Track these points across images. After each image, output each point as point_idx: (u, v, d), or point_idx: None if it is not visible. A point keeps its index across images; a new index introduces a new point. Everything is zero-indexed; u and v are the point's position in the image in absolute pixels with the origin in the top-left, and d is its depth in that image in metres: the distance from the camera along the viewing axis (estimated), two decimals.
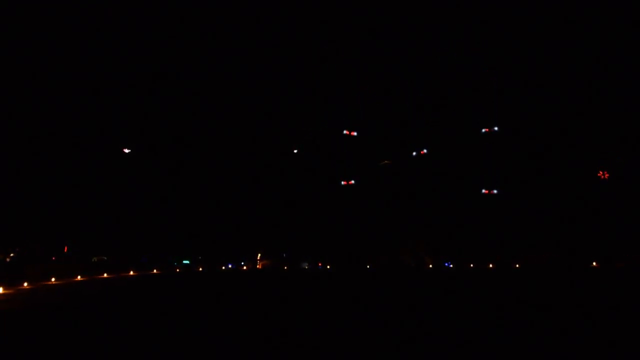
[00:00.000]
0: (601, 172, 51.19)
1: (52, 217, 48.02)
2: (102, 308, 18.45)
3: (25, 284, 27.36)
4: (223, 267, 52.07)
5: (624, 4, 47.85)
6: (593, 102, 50.35)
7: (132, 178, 51.72)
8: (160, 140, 53.15)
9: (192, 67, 52.61)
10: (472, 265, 50.75)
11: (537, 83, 51.73)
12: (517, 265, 49.60)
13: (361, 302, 20.57)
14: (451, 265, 51.60)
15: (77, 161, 49.76)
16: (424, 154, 54.06)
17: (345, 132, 54.37)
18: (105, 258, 47.84)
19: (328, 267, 52.25)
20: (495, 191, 51.84)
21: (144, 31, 50.11)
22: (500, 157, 52.34)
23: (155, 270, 45.73)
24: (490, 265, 50.41)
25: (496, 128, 53.04)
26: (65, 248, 49.83)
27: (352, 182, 53.80)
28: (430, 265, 51.70)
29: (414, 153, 54.56)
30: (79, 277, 34.73)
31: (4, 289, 23.73)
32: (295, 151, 55.20)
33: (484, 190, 52.01)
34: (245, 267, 52.88)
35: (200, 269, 49.84)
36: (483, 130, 53.24)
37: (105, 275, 38.69)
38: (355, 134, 54.47)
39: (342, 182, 53.81)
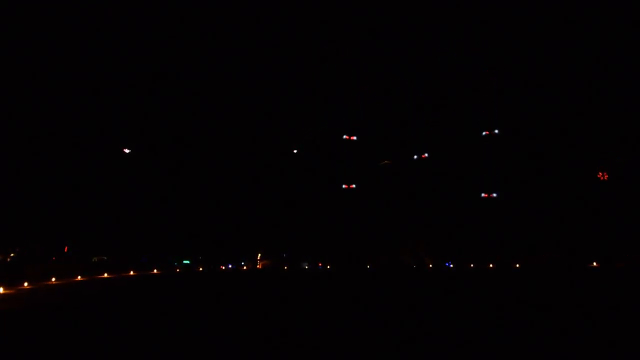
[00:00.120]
0: (601, 174, 51.23)
1: (52, 217, 47.99)
2: (102, 308, 18.44)
3: (26, 284, 27.34)
4: (223, 267, 52.08)
5: (624, 4, 47.91)
6: (593, 103, 50.41)
7: (132, 178, 51.76)
8: (160, 140, 53.19)
9: (192, 67, 52.69)
10: (472, 265, 50.77)
11: (537, 84, 51.80)
12: (517, 265, 49.63)
13: (361, 302, 20.57)
14: (451, 265, 51.63)
15: (77, 161, 49.76)
16: (425, 157, 54.12)
17: (345, 136, 54.49)
18: (105, 258, 47.81)
19: (328, 267, 52.26)
20: (494, 195, 51.94)
21: (144, 31, 50.19)
22: (501, 157, 52.41)
23: (155, 270, 45.74)
24: (491, 266, 50.43)
25: (496, 131, 53.12)
26: (66, 248, 49.78)
27: (353, 185, 53.92)
28: (430, 266, 51.72)
29: (415, 157, 54.63)
30: (79, 277, 34.72)
31: (4, 289, 23.73)
32: (295, 151, 55.24)
33: (483, 194, 52.13)
34: (245, 267, 52.89)
35: (201, 269, 49.85)
36: (483, 133, 53.35)
37: (105, 275, 38.69)
38: (355, 138, 54.59)
39: (344, 186, 53.92)
